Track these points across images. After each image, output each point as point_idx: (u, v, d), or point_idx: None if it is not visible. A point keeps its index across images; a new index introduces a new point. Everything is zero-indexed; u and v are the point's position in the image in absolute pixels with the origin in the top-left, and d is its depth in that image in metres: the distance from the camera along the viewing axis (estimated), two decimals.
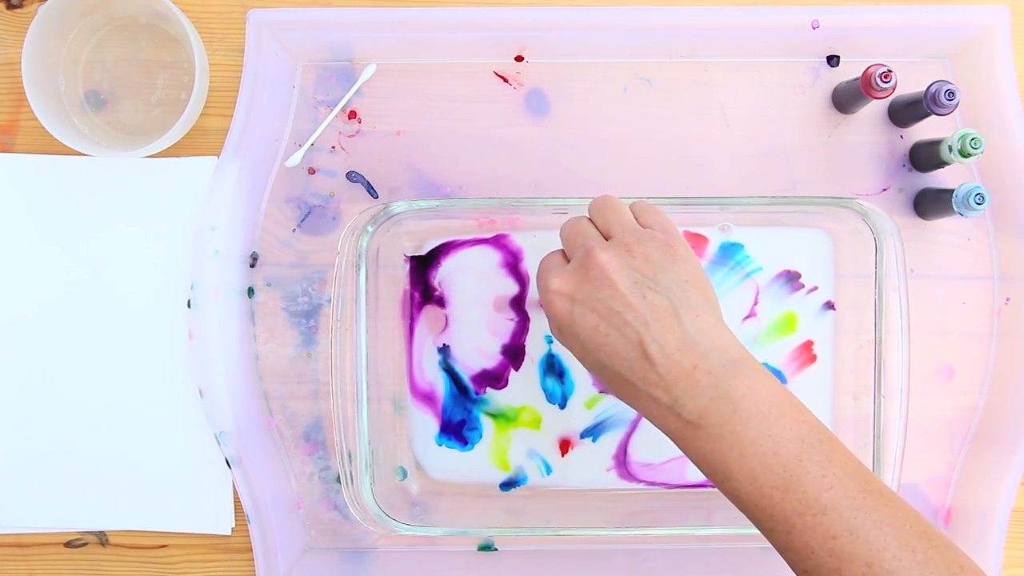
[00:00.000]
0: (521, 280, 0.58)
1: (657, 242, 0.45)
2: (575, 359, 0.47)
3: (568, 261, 0.47)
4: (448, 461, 0.59)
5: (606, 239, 0.46)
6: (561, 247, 0.49)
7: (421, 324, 0.59)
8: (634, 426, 0.58)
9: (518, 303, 0.58)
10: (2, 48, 0.59)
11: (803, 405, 0.43)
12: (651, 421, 0.44)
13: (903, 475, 0.54)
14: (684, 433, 0.42)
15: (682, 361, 0.42)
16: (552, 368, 0.58)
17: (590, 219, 0.48)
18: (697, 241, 0.58)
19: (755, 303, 0.58)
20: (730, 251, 0.58)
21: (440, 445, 0.59)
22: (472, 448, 0.59)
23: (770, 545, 0.59)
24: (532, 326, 0.58)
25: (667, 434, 0.44)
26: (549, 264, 0.47)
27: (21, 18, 0.59)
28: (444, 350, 0.59)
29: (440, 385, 0.59)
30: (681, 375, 0.42)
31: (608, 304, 0.44)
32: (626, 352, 0.43)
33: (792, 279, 0.58)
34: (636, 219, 0.47)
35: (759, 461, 0.41)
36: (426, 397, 0.59)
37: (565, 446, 0.59)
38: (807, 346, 0.58)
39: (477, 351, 0.58)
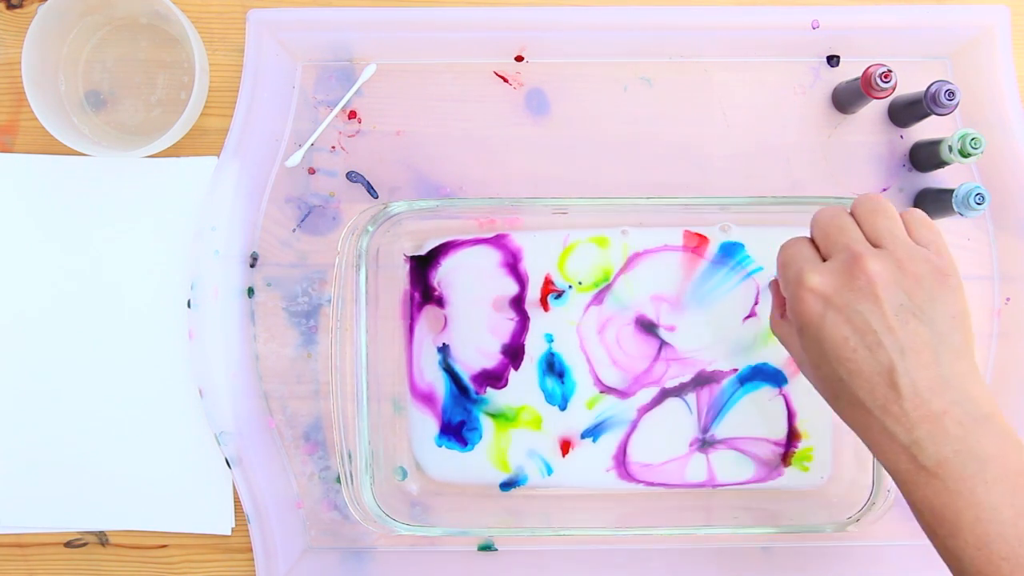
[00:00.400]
0: (521, 280, 0.58)
1: (931, 265, 0.42)
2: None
3: (820, 254, 0.44)
4: (448, 461, 0.59)
5: (874, 246, 0.42)
6: (806, 236, 0.45)
7: (421, 324, 0.59)
8: (634, 426, 0.58)
9: (518, 303, 0.58)
10: (2, 48, 0.59)
11: None
12: (875, 451, 0.42)
13: None
14: (915, 477, 0.40)
15: (932, 402, 0.39)
16: (552, 368, 0.58)
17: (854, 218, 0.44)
18: (698, 241, 0.58)
19: (755, 303, 0.58)
20: (730, 251, 0.58)
21: (440, 446, 0.59)
22: (472, 449, 0.59)
23: (771, 545, 0.59)
24: (532, 325, 0.58)
25: (892, 473, 0.41)
26: (801, 254, 0.44)
27: (21, 18, 0.59)
28: (444, 350, 0.59)
29: (440, 385, 0.59)
30: (927, 416, 0.39)
31: (867, 319, 0.40)
32: (871, 375, 0.40)
33: None
34: (908, 231, 0.43)
35: (995, 529, 0.38)
36: (426, 398, 0.59)
37: (566, 446, 0.59)
38: None
39: (477, 351, 0.58)
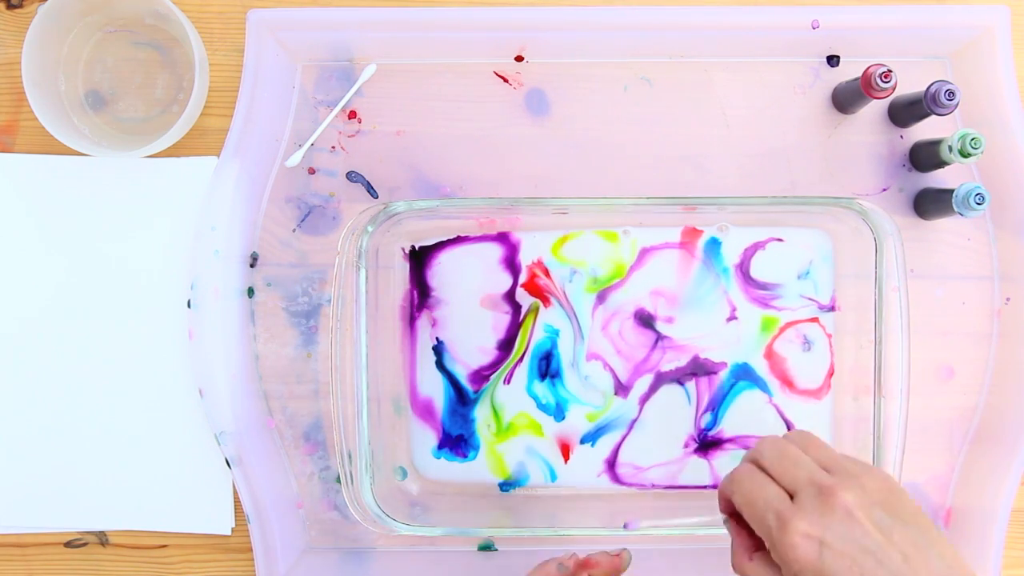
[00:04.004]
0: (515, 273, 0.58)
1: (875, 474, 0.45)
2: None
3: (783, 489, 0.45)
4: (447, 469, 0.59)
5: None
6: (751, 467, 0.47)
7: (421, 323, 0.59)
8: (633, 424, 0.58)
9: (511, 296, 0.58)
10: (2, 48, 0.59)
11: None
12: None
13: (903, 475, 0.54)
14: None
15: None
16: (548, 368, 0.58)
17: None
18: (697, 236, 0.58)
19: (733, 307, 0.58)
20: (713, 248, 0.58)
21: (438, 458, 0.59)
22: (471, 460, 0.59)
23: None
24: (536, 320, 0.58)
25: None
26: (772, 496, 0.45)
27: (21, 18, 0.59)
28: (443, 348, 0.58)
29: (439, 391, 0.59)
30: None
31: (862, 545, 0.43)
32: None
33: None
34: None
35: None
36: (425, 408, 0.59)
37: (566, 450, 0.59)
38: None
39: (475, 348, 0.58)
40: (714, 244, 0.58)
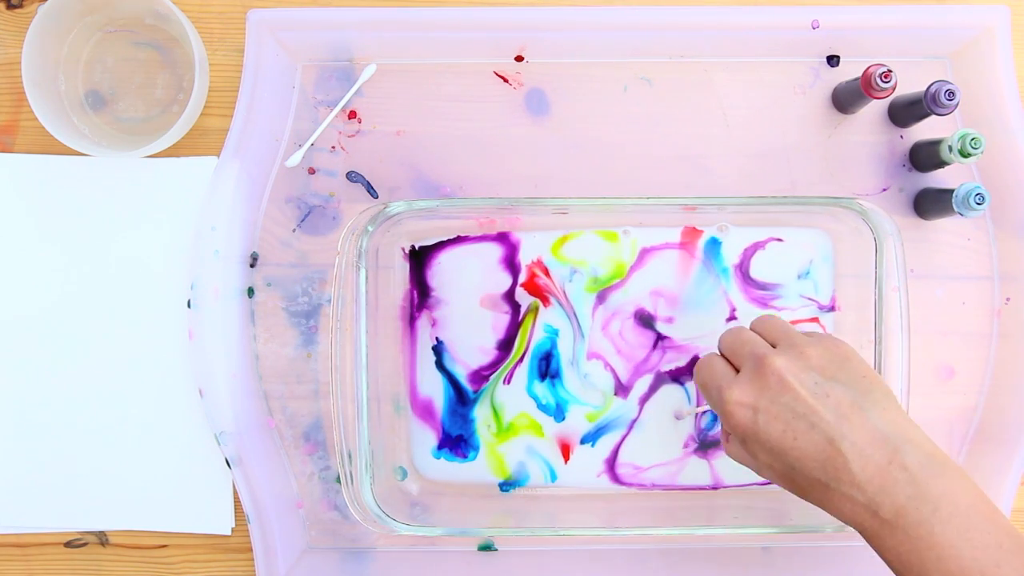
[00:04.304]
0: (515, 273, 0.58)
1: (825, 342, 0.46)
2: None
3: (736, 369, 0.47)
4: (447, 469, 0.59)
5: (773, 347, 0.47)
6: (715, 351, 0.50)
7: (421, 323, 0.59)
8: (634, 424, 0.58)
9: (511, 296, 0.58)
10: (2, 48, 0.59)
11: (997, 508, 0.42)
12: (842, 519, 0.44)
13: None
14: (879, 531, 0.42)
15: (875, 456, 0.42)
16: (545, 376, 0.58)
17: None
18: (697, 236, 0.58)
19: (733, 308, 0.58)
20: (713, 249, 0.58)
21: (438, 458, 0.59)
22: (471, 460, 0.59)
23: (771, 545, 0.59)
24: (536, 319, 0.58)
25: (860, 532, 0.44)
26: (718, 373, 0.48)
27: (21, 18, 0.59)
28: (442, 348, 0.59)
29: (439, 391, 0.59)
30: (876, 472, 0.42)
31: (792, 408, 0.44)
32: (816, 454, 0.43)
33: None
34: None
35: (956, 565, 0.40)
36: (425, 409, 0.59)
37: (566, 451, 0.59)
38: None
39: (474, 348, 0.58)
40: (714, 244, 0.58)
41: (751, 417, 0.45)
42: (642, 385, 0.58)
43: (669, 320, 0.58)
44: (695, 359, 0.58)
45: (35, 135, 0.59)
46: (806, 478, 0.44)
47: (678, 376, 0.58)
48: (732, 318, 0.58)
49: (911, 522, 0.41)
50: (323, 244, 0.59)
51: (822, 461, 0.43)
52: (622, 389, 0.58)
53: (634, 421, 0.58)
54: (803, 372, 0.45)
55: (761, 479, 0.58)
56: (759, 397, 0.45)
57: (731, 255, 0.58)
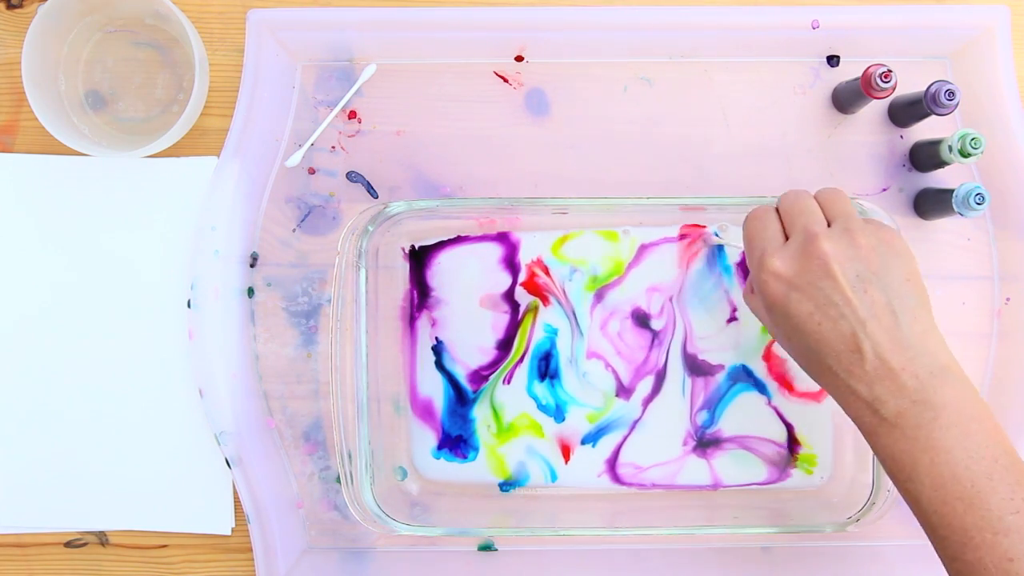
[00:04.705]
0: (514, 272, 0.58)
1: (881, 235, 0.45)
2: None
3: (784, 234, 0.47)
4: (447, 469, 0.59)
5: (828, 223, 0.46)
6: (769, 206, 0.48)
7: (421, 323, 0.59)
8: (635, 424, 0.58)
9: (510, 295, 0.58)
10: (2, 48, 0.59)
11: (1000, 425, 0.43)
12: (843, 407, 0.45)
13: None
14: (877, 429, 0.43)
15: (891, 360, 0.42)
16: (544, 377, 0.58)
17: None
18: (693, 231, 0.58)
19: (734, 308, 0.58)
20: (716, 255, 0.58)
21: (438, 459, 0.59)
22: (471, 461, 0.59)
23: (771, 545, 0.59)
24: (535, 319, 0.58)
25: (858, 426, 0.44)
26: (766, 236, 0.47)
27: (21, 18, 0.59)
28: (442, 348, 0.58)
29: (438, 392, 0.59)
30: (887, 374, 0.42)
31: (828, 295, 0.44)
32: (836, 343, 0.43)
33: None
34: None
35: (949, 470, 0.41)
36: (425, 409, 0.59)
37: (566, 451, 0.59)
38: None
39: (474, 348, 0.58)
40: (716, 245, 0.58)
41: (784, 291, 0.45)
42: (644, 387, 0.58)
43: (669, 319, 0.58)
44: (693, 359, 0.58)
45: (35, 135, 0.59)
46: (818, 362, 0.44)
47: (672, 362, 0.58)
48: (733, 319, 0.58)
49: (910, 424, 0.42)
50: (323, 244, 0.59)
51: (839, 352, 0.43)
52: (624, 391, 0.58)
53: (636, 421, 0.58)
54: (849, 261, 0.44)
55: (760, 479, 0.58)
56: (799, 274, 0.44)
57: (733, 254, 0.58)
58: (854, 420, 0.44)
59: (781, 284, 0.45)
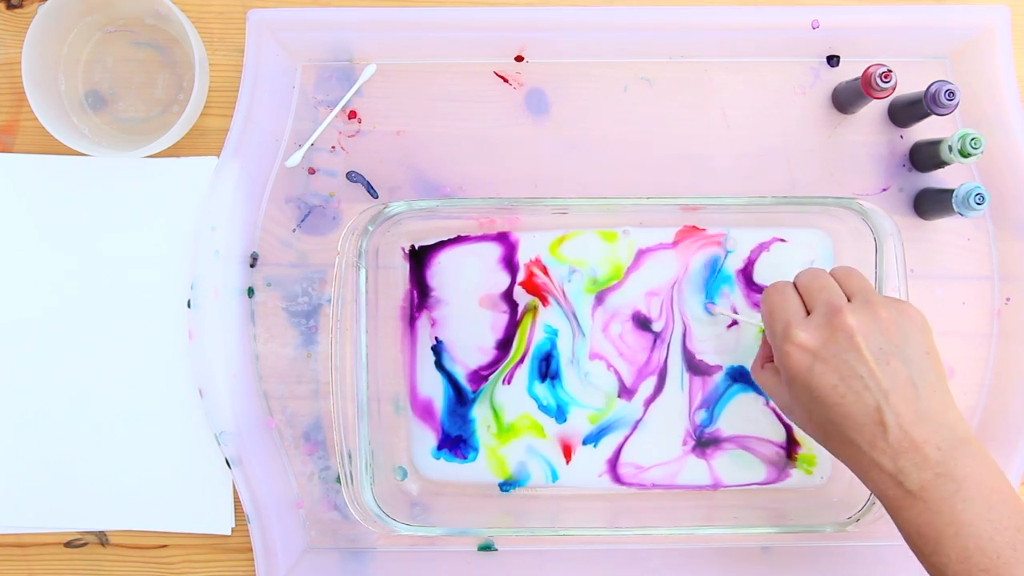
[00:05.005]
0: (513, 272, 0.58)
1: (900, 308, 0.46)
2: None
3: (805, 308, 0.48)
4: (447, 470, 0.59)
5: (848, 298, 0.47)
6: (788, 282, 0.50)
7: (421, 323, 0.59)
8: (637, 425, 0.58)
9: (509, 295, 0.58)
10: (2, 48, 0.59)
11: (1018, 494, 0.44)
12: (864, 480, 0.46)
13: None
14: (901, 502, 0.44)
15: (913, 433, 0.43)
16: (545, 377, 0.58)
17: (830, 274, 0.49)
18: (692, 232, 0.58)
19: (734, 311, 0.58)
20: (714, 263, 0.58)
21: (437, 459, 0.59)
22: (471, 461, 0.59)
23: (771, 545, 0.59)
24: (536, 319, 0.58)
25: (881, 498, 0.45)
26: (790, 307, 0.48)
27: (21, 18, 0.59)
28: (441, 348, 0.58)
29: (438, 392, 0.59)
30: (910, 447, 0.43)
31: (852, 367, 0.44)
32: (860, 416, 0.44)
33: None
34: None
35: (974, 543, 0.41)
36: (425, 409, 0.59)
37: (568, 451, 0.59)
38: None
39: (474, 348, 0.58)
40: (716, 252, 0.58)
41: (808, 363, 0.45)
42: (647, 387, 0.58)
43: (668, 322, 0.58)
44: (692, 359, 0.58)
45: (35, 135, 0.59)
46: (840, 435, 0.45)
47: (673, 363, 0.58)
48: (734, 323, 0.58)
49: (934, 497, 0.42)
50: (323, 244, 0.59)
51: (862, 424, 0.44)
52: (626, 391, 0.58)
53: (639, 422, 0.58)
54: (872, 334, 0.45)
55: (760, 479, 0.58)
56: (823, 347, 0.45)
57: (736, 261, 0.58)
58: (877, 495, 0.45)
59: (806, 356, 0.46)
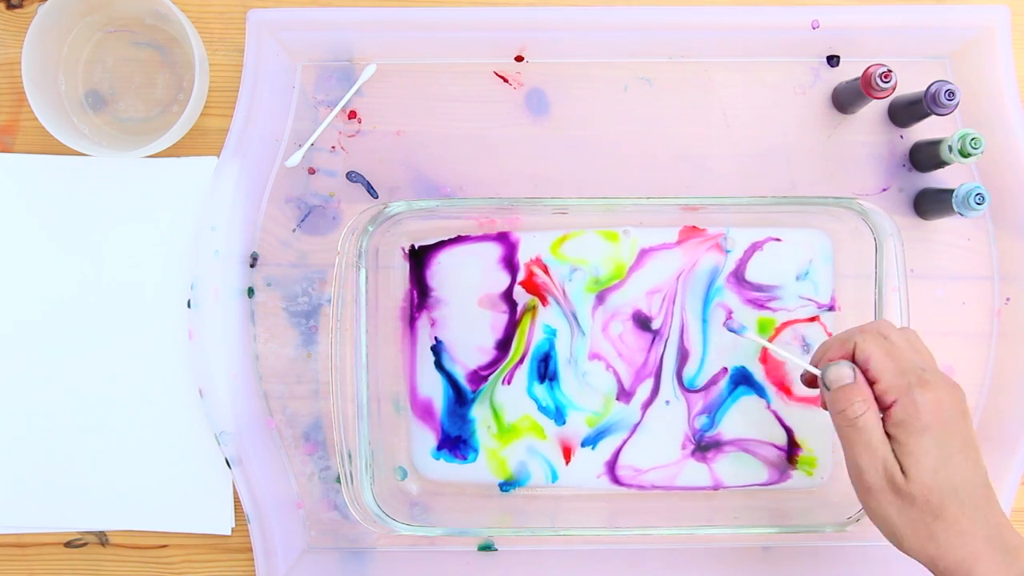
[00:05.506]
0: (513, 272, 0.58)
1: (956, 391, 0.47)
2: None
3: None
4: (447, 470, 0.59)
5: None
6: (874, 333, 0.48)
7: (421, 323, 0.59)
8: (636, 427, 0.58)
9: (509, 295, 0.58)
10: (2, 48, 0.59)
11: None
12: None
13: None
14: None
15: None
16: (544, 378, 0.58)
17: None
18: (693, 233, 0.58)
19: (730, 310, 0.58)
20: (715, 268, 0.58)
21: (437, 459, 0.59)
22: (471, 462, 0.59)
23: (771, 545, 0.59)
24: (535, 319, 0.58)
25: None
26: (916, 362, 0.47)
27: (21, 18, 0.59)
28: (441, 348, 0.58)
29: (438, 392, 0.59)
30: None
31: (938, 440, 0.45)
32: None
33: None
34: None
35: None
36: (425, 409, 0.59)
37: (567, 452, 0.59)
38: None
39: (473, 348, 0.58)
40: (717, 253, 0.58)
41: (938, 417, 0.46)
42: (644, 390, 0.58)
43: (668, 322, 0.58)
44: (692, 358, 0.58)
45: (35, 135, 0.59)
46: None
47: (672, 365, 0.58)
48: (729, 320, 0.58)
49: None
50: (323, 244, 0.59)
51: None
52: (624, 394, 0.58)
53: (637, 425, 0.58)
54: (954, 419, 0.46)
55: (760, 479, 0.58)
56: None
57: (731, 259, 0.58)
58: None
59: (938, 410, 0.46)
